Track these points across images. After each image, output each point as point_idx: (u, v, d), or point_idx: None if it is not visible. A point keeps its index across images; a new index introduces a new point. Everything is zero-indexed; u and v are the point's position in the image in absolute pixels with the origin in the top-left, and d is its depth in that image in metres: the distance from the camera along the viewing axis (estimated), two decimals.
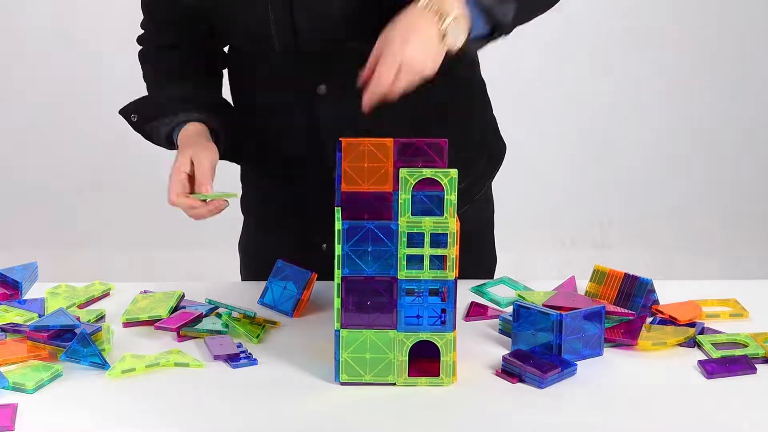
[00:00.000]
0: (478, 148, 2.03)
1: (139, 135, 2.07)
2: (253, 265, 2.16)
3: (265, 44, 1.87)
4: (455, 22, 1.66)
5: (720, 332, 1.78)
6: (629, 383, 1.64)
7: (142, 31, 2.08)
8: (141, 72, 2.10)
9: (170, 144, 2.00)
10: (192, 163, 1.87)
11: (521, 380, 1.63)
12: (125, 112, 2.04)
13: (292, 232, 2.05)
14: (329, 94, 1.88)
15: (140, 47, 2.09)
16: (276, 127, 1.96)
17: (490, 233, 2.17)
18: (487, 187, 2.11)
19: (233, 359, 1.68)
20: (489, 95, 2.08)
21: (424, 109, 1.86)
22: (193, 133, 1.95)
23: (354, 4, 1.81)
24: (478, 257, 2.08)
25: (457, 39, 1.67)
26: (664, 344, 1.72)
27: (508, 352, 1.70)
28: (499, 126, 2.12)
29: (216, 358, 1.69)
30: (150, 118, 2.00)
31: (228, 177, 2.14)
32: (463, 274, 1.71)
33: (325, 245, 2.01)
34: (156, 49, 2.06)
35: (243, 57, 1.99)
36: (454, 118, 1.95)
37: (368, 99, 1.68)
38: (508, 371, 1.64)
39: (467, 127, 1.99)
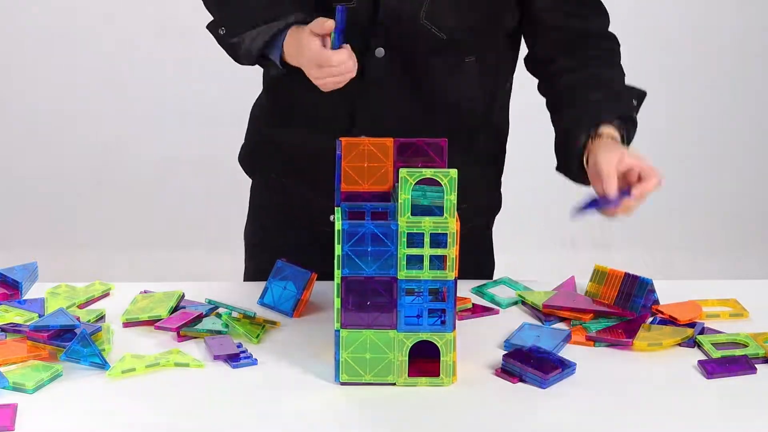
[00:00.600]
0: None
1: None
2: (259, 254, 2.12)
3: None
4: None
5: (720, 332, 1.78)
6: (629, 383, 1.64)
7: None
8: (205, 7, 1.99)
9: (261, 58, 1.89)
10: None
11: (521, 380, 1.63)
12: (212, 25, 1.92)
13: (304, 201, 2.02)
14: (386, 58, 1.88)
15: None
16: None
17: (489, 235, 2.18)
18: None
19: (233, 359, 1.68)
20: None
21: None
22: (296, 32, 1.84)
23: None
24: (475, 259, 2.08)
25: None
26: (660, 345, 1.72)
27: (507, 350, 1.71)
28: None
29: (216, 358, 1.69)
30: (242, 28, 1.87)
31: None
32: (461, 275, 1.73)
33: (332, 216, 1.98)
34: None
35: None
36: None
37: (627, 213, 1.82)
38: (508, 371, 1.64)
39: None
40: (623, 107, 1.89)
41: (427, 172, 1.54)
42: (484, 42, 1.93)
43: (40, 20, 4.02)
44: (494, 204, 2.12)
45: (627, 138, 1.87)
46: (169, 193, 4.11)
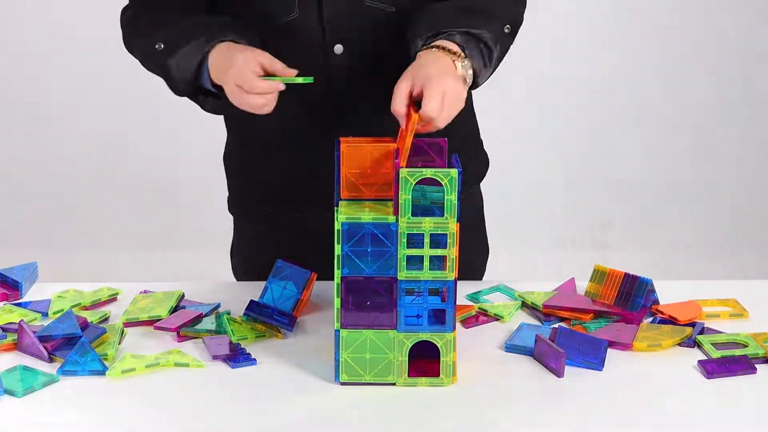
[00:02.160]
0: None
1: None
2: (250, 266, 2.14)
3: (283, 10, 1.86)
4: (466, 62, 1.79)
5: (720, 332, 1.78)
6: (629, 383, 1.64)
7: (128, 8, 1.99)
8: (132, 47, 1.98)
9: (195, 79, 1.86)
10: (255, 62, 1.78)
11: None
12: (148, 46, 1.90)
13: (299, 200, 2.01)
14: (346, 54, 1.89)
15: (127, 20, 1.99)
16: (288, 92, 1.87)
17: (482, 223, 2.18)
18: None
19: (232, 359, 1.68)
20: (485, 98, 2.10)
21: None
22: (231, 47, 1.83)
23: None
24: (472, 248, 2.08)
25: (467, 77, 1.79)
26: (660, 345, 1.72)
27: (507, 351, 1.71)
28: (492, 130, 2.13)
29: (215, 358, 1.69)
30: (180, 44, 1.85)
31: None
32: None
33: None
34: (151, 10, 1.95)
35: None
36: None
37: (421, 129, 1.72)
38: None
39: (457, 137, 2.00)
40: (472, 22, 1.82)
41: (428, 172, 1.54)
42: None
43: (40, 20, 4.02)
44: (482, 161, 2.13)
45: (468, 54, 1.79)
46: (169, 193, 4.11)
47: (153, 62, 1.91)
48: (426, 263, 1.57)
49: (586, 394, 1.60)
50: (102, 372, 1.64)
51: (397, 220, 1.57)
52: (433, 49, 1.78)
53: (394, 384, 1.62)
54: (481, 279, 2.12)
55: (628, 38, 4.07)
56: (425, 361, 1.62)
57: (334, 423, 1.54)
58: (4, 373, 1.62)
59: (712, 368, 1.65)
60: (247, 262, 2.15)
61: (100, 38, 3.96)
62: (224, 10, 1.92)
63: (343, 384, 1.62)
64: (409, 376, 1.61)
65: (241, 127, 2.03)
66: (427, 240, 1.56)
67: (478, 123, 2.12)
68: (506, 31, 1.88)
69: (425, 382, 1.62)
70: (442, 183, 1.54)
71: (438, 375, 1.61)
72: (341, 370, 1.61)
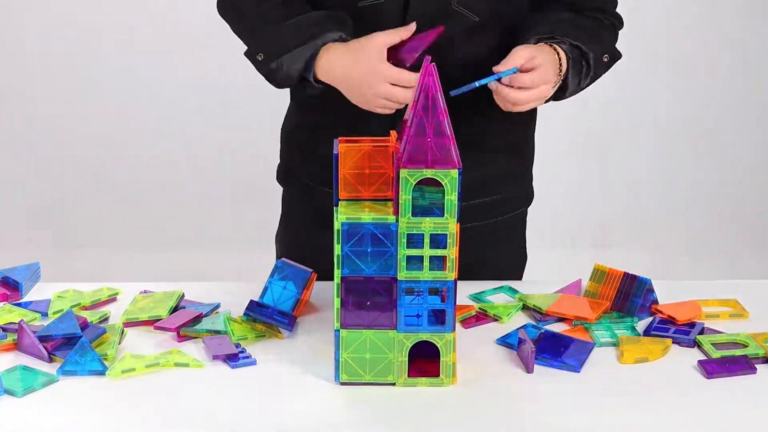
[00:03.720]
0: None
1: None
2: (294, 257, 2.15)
3: None
4: (557, 84, 1.90)
5: (720, 332, 1.78)
6: (629, 383, 1.64)
7: None
8: (229, 27, 2.03)
9: (300, 79, 1.92)
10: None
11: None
12: (250, 53, 1.95)
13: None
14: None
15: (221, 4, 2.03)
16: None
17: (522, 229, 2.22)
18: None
19: (232, 359, 1.68)
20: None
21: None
22: (347, 48, 1.88)
23: None
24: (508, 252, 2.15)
25: (550, 92, 1.90)
26: (647, 359, 1.71)
27: (507, 352, 1.71)
28: None
29: (215, 358, 1.69)
30: (281, 51, 1.90)
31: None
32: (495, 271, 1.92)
33: None
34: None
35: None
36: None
37: (505, 96, 1.85)
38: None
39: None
40: (582, 38, 1.93)
41: (428, 173, 1.54)
42: (507, 24, 1.96)
43: (41, 21, 4.02)
44: (524, 194, 2.15)
45: (571, 68, 1.91)
46: (170, 193, 4.11)
47: (253, 60, 1.95)
48: (426, 263, 1.57)
49: (587, 395, 1.60)
50: (102, 372, 1.64)
51: (397, 220, 1.57)
52: (552, 48, 1.88)
53: (394, 384, 1.62)
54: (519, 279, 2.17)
55: (630, 39, 4.06)
56: (425, 361, 1.62)
57: (334, 423, 1.54)
58: (4, 373, 1.63)
59: (712, 368, 1.65)
60: (293, 236, 2.17)
61: (100, 38, 3.96)
62: None
63: (343, 384, 1.62)
64: (409, 376, 1.61)
65: (312, 104, 2.03)
66: (427, 240, 1.56)
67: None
68: (605, 59, 1.97)
69: (425, 382, 1.62)
70: (443, 183, 1.54)
71: (438, 375, 1.61)
72: (341, 370, 1.61)
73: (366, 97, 1.86)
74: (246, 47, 1.96)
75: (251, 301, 1.81)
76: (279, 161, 2.18)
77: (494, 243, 2.10)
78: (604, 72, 1.99)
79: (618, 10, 2.07)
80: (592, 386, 1.62)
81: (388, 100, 1.84)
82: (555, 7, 1.98)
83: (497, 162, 2.04)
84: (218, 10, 2.04)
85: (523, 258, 2.21)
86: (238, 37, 2.01)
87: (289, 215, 2.19)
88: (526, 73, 1.84)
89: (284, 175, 2.16)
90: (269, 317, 1.78)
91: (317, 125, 2.05)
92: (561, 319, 1.83)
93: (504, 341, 1.75)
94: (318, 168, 2.05)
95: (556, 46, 1.90)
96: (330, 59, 1.88)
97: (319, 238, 1.98)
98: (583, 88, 1.98)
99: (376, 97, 1.84)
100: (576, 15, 1.97)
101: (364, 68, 1.84)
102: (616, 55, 1.99)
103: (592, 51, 1.93)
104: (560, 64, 1.89)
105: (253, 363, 1.68)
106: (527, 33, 1.92)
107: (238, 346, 1.72)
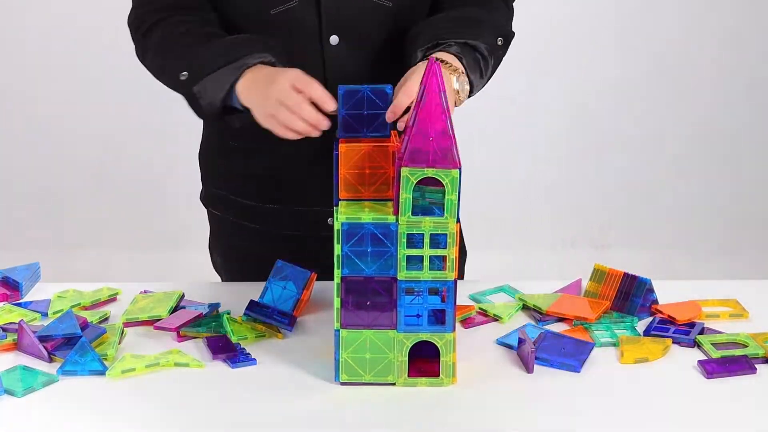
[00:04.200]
0: None
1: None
2: (237, 266, 2.13)
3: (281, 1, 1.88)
4: (463, 77, 1.83)
5: (720, 332, 1.78)
6: (629, 383, 1.64)
7: (133, 16, 1.98)
8: (143, 52, 1.97)
9: (223, 105, 1.84)
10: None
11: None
12: (171, 75, 1.87)
13: (294, 206, 2.02)
14: (340, 45, 1.90)
15: (136, 26, 1.97)
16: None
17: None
18: None
19: (232, 359, 1.68)
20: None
21: None
22: (264, 69, 1.81)
23: None
24: None
25: (463, 91, 1.83)
26: (647, 359, 1.71)
27: (507, 352, 1.71)
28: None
29: (215, 358, 1.69)
30: (205, 72, 1.82)
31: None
32: None
33: (331, 219, 1.98)
34: (163, 20, 1.92)
35: (244, 23, 1.92)
36: None
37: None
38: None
39: None
40: (467, 33, 1.87)
41: (429, 172, 1.54)
42: (418, 8, 1.95)
43: (41, 21, 4.02)
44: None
45: (465, 63, 1.85)
46: (170, 193, 4.11)
47: (173, 86, 1.89)
48: (426, 263, 1.57)
49: (587, 395, 1.60)
50: (102, 372, 1.64)
51: (397, 220, 1.57)
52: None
53: (394, 384, 1.62)
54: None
55: (630, 38, 4.07)
56: (425, 361, 1.62)
57: (334, 423, 1.54)
58: (4, 373, 1.63)
59: (712, 368, 1.65)
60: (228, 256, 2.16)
61: (100, 39, 3.96)
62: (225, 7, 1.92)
63: (343, 384, 1.62)
64: (409, 376, 1.61)
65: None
66: (426, 240, 1.56)
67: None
68: (499, 43, 1.92)
69: (425, 382, 1.62)
70: (443, 183, 1.54)
71: (438, 375, 1.61)
72: (341, 370, 1.61)
73: (268, 109, 1.76)
74: (167, 78, 1.90)
75: (251, 301, 1.81)
76: (201, 187, 2.15)
77: None
78: (504, 53, 1.96)
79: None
80: (592, 386, 1.62)
81: (289, 109, 1.73)
82: None
83: None
84: (139, 58, 1.98)
85: (463, 253, 2.18)
86: (161, 75, 1.93)
87: (221, 235, 2.18)
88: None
89: (209, 198, 2.14)
90: (269, 317, 1.78)
91: (233, 148, 2.03)
92: (561, 319, 1.83)
93: (504, 341, 1.75)
94: (239, 185, 2.04)
95: (443, 55, 1.83)
96: (249, 77, 1.81)
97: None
98: (490, 77, 1.94)
99: (278, 106, 1.74)
100: (462, 8, 1.93)
101: (273, 82, 1.76)
102: (509, 35, 1.96)
103: (482, 42, 1.88)
104: (454, 73, 1.82)
105: (253, 363, 1.68)
106: (411, 48, 1.86)
107: (238, 346, 1.72)
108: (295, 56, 1.84)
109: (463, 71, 1.83)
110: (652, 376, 1.65)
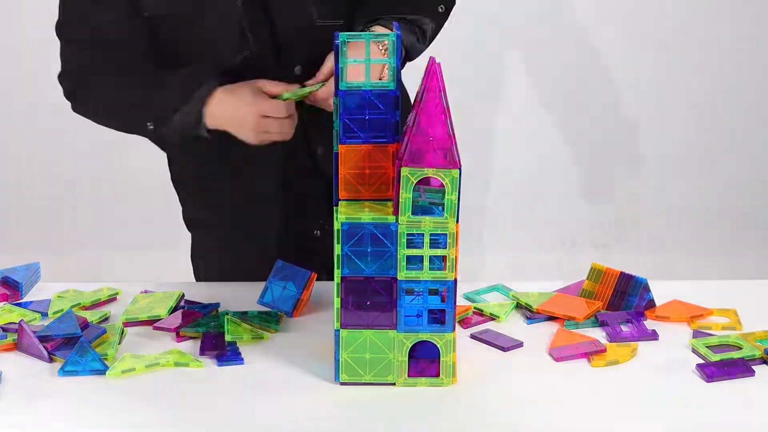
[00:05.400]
0: None
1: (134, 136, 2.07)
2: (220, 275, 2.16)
3: (237, 50, 1.92)
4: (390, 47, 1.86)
5: (711, 334, 1.77)
6: (629, 385, 1.63)
7: (68, 71, 2.14)
8: (88, 115, 2.15)
9: (195, 131, 1.95)
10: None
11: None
12: (137, 126, 2.03)
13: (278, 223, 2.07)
14: (305, 72, 1.95)
15: (71, 84, 2.14)
16: None
17: None
18: None
19: (219, 357, 1.68)
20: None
21: None
22: (226, 91, 1.94)
23: None
24: None
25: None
26: (617, 362, 1.70)
27: (508, 352, 1.71)
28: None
29: (202, 353, 1.69)
30: (169, 112, 1.95)
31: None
32: None
33: (317, 231, 2.05)
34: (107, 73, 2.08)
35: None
36: None
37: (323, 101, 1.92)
38: None
39: None
40: (405, 8, 1.97)
41: (429, 171, 1.54)
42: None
43: (40, 21, 4.02)
44: None
45: (404, 37, 1.93)
46: (169, 193, 4.11)
47: (132, 132, 2.04)
48: (426, 263, 1.57)
49: (587, 397, 1.60)
50: (102, 372, 1.64)
51: (397, 220, 1.57)
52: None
53: (394, 384, 1.62)
54: None
55: (628, 37, 4.07)
56: (425, 361, 1.62)
57: (334, 423, 1.54)
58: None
59: (712, 372, 1.65)
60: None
61: None
62: (176, 63, 1.97)
63: (343, 384, 1.62)
64: (409, 376, 1.62)
65: (202, 147, 2.05)
66: (426, 240, 1.56)
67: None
68: (440, 10, 2.01)
69: (425, 382, 1.62)
70: (443, 182, 1.54)
71: (438, 375, 1.61)
72: (341, 370, 1.61)
73: (247, 131, 1.91)
74: (122, 126, 2.06)
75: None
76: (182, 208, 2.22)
77: None
78: (446, 20, 2.04)
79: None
80: (591, 389, 1.62)
81: (267, 132, 1.90)
82: None
83: None
84: (74, 109, 2.08)
85: None
86: (107, 121, 2.04)
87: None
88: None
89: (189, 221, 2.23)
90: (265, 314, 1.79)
91: (203, 173, 2.12)
92: (552, 318, 1.83)
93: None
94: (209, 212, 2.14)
95: (378, 28, 1.92)
96: (218, 100, 1.91)
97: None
98: (430, 42, 2.02)
99: (256, 132, 1.90)
100: None
101: (241, 103, 1.89)
102: (451, 1, 2.04)
103: (423, 15, 1.98)
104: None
105: (241, 362, 1.68)
106: (354, 27, 1.96)
107: (229, 344, 1.72)
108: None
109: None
110: (652, 379, 1.65)
